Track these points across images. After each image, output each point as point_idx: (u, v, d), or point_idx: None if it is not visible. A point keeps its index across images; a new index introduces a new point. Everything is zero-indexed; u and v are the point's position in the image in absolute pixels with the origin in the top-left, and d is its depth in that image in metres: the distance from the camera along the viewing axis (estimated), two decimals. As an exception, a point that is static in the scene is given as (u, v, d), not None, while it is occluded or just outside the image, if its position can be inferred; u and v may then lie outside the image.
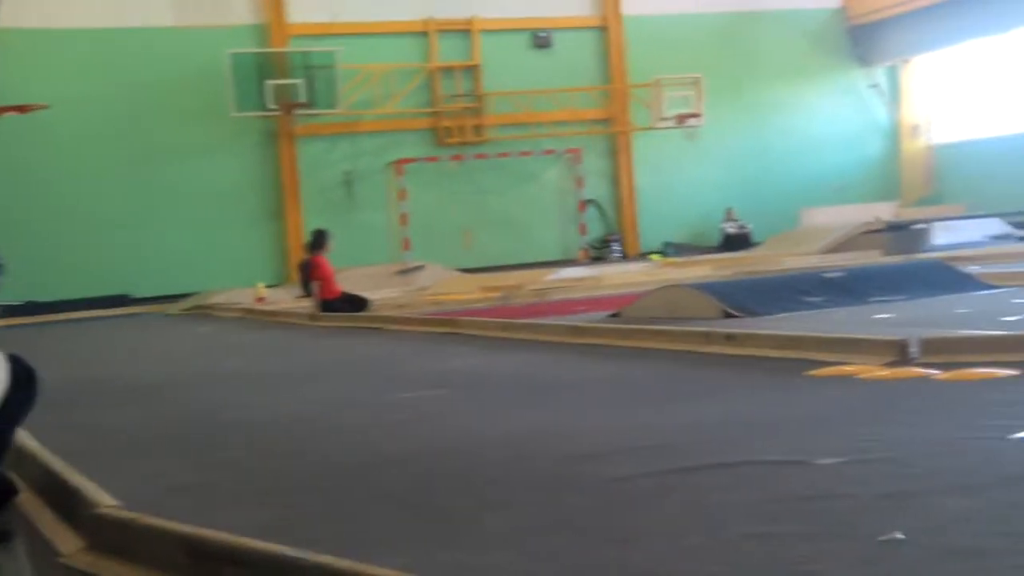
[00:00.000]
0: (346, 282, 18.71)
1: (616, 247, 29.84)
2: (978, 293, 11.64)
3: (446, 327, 12.66)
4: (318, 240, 17.97)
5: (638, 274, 20.76)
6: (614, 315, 12.09)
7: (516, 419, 6.36)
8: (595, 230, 30.14)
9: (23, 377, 4.55)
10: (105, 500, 4.36)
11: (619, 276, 20.39)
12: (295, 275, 22.52)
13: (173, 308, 23.93)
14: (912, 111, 32.21)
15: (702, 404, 6.28)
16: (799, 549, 3.34)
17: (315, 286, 17.48)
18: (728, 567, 3.27)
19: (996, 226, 23.56)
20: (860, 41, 32.25)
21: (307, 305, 18.07)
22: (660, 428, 5.58)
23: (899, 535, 3.33)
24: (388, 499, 4.58)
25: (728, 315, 10.78)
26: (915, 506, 3.66)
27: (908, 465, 4.26)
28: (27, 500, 5.04)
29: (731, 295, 11.32)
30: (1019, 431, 4.67)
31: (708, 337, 8.68)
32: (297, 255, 24.37)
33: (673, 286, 12.66)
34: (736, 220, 29.63)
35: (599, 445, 5.23)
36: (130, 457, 6.24)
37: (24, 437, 5.60)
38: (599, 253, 29.65)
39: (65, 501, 4.74)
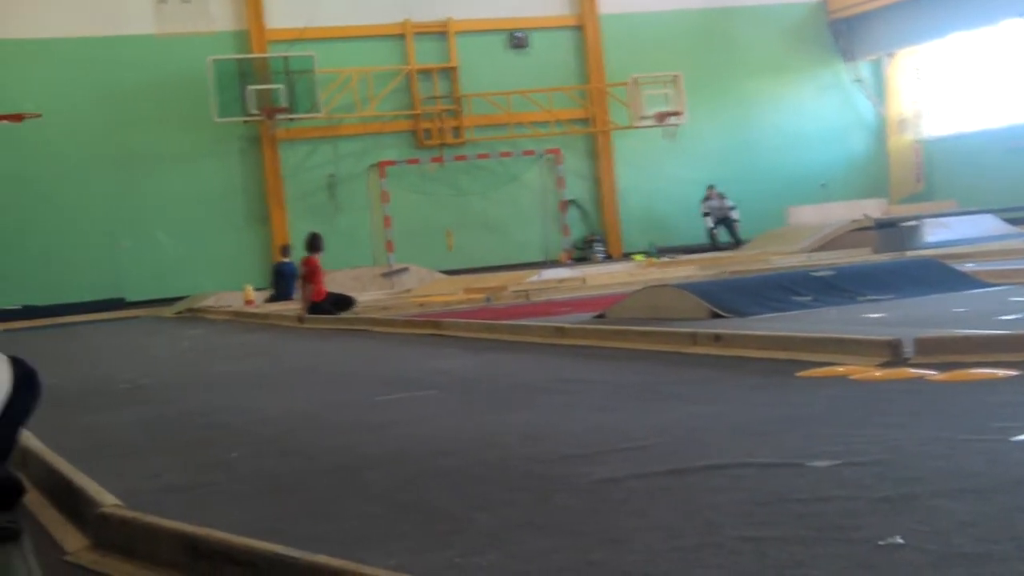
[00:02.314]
0: (331, 284, 18.70)
1: (599, 247, 29.79)
2: (973, 291, 11.53)
3: (431, 329, 12.64)
4: (314, 242, 17.94)
5: (622, 274, 20.71)
6: (599, 316, 12.04)
7: (504, 420, 6.32)
8: (577, 231, 30.12)
9: (26, 379, 4.59)
10: (108, 499, 4.42)
11: (603, 277, 20.35)
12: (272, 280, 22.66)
13: (166, 311, 24.06)
14: (898, 105, 32.13)
15: (691, 406, 6.22)
16: (793, 552, 3.28)
17: (307, 289, 17.47)
18: (721, 569, 3.23)
19: (989, 222, 23.45)
20: (843, 35, 32.22)
21: (295, 307, 18.10)
22: (649, 429, 5.53)
23: (898, 539, 3.27)
24: (379, 499, 4.58)
25: (715, 315, 10.73)
26: (914, 509, 3.60)
27: (905, 468, 4.20)
28: (33, 499, 5.12)
29: (718, 295, 11.26)
30: (1020, 433, 4.60)
31: (695, 338, 8.61)
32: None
33: (658, 286, 12.61)
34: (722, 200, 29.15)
35: (588, 446, 5.19)
36: (130, 457, 6.30)
37: (28, 437, 5.67)
38: (582, 254, 29.61)
39: (69, 500, 4.82)
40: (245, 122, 27.31)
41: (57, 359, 13.99)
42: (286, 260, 22.53)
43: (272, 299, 21.82)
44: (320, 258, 17.84)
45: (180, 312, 23.59)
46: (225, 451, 6.11)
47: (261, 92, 26.75)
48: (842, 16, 32.11)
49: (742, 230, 28.51)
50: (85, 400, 9.27)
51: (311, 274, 17.57)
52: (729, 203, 28.93)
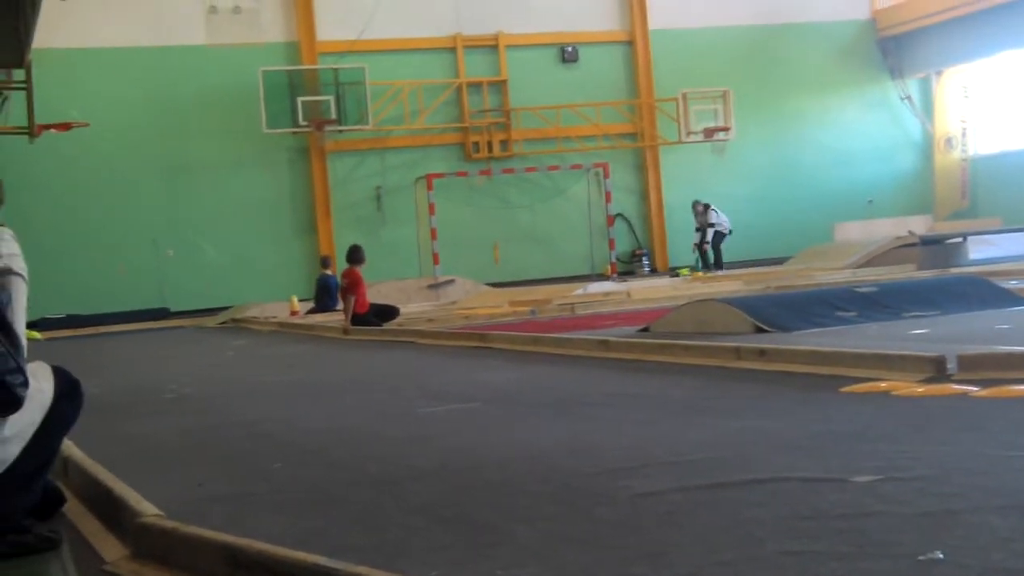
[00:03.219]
0: (377, 296, 18.78)
1: (645, 261, 29.76)
2: (1017, 308, 11.51)
3: (476, 341, 12.67)
4: (355, 255, 18.02)
5: (667, 289, 20.72)
6: (643, 330, 12.07)
7: (547, 433, 6.34)
8: (624, 244, 30.09)
9: (68, 388, 4.65)
10: (148, 509, 4.40)
11: (648, 291, 20.36)
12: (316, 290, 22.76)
13: (210, 321, 24.20)
14: (946, 123, 31.96)
15: (734, 420, 6.23)
16: (834, 568, 3.29)
17: (349, 300, 17.55)
18: (762, 585, 3.23)
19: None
20: (891, 53, 32.09)
21: (339, 319, 18.21)
22: (691, 443, 5.54)
23: (938, 555, 3.27)
24: (421, 511, 4.59)
25: (759, 330, 10.73)
26: (955, 525, 3.60)
27: (947, 484, 4.20)
28: (73, 508, 5.14)
29: (762, 310, 11.26)
30: (1062, 450, 4.59)
31: (739, 352, 8.62)
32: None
33: (703, 301, 12.61)
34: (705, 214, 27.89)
35: (630, 460, 5.20)
36: (172, 466, 6.33)
37: (70, 446, 5.68)
38: (628, 268, 29.59)
39: (109, 510, 4.80)
40: (294, 133, 27.51)
41: (100, 368, 14.07)
42: (328, 272, 22.69)
43: (313, 311, 21.95)
44: (362, 270, 17.92)
45: (224, 322, 23.72)
46: (268, 461, 6.12)
47: (310, 103, 26.94)
48: (891, 34, 31.98)
49: (787, 246, 28.22)
50: (128, 409, 9.31)
51: (353, 286, 17.64)
52: (712, 218, 27.77)
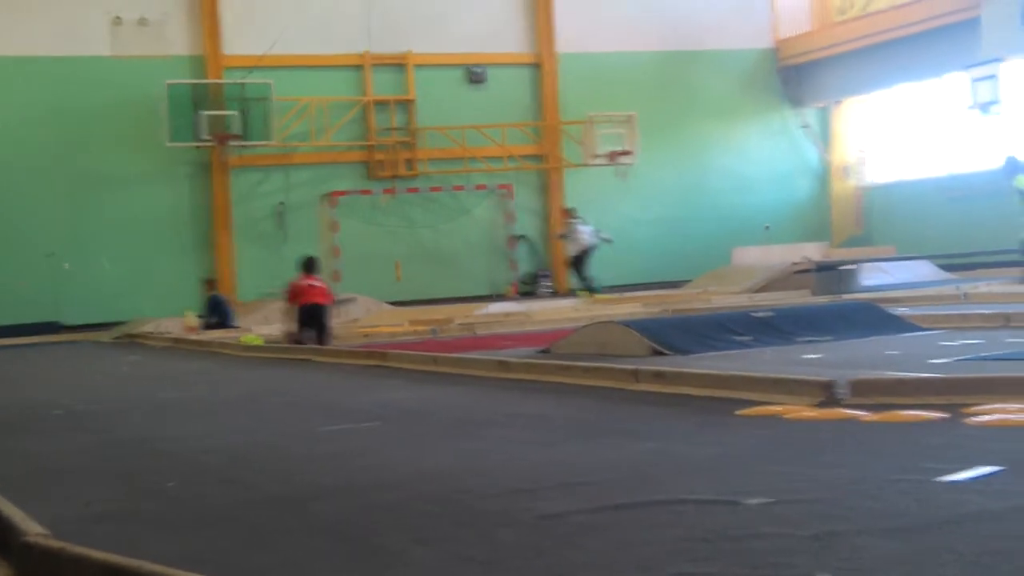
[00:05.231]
0: (276, 313, 18.63)
1: (546, 283, 29.88)
2: (907, 335, 11.78)
3: (376, 360, 12.65)
4: (317, 264, 17.94)
5: (567, 310, 20.84)
6: (543, 351, 12.13)
7: (447, 453, 6.35)
8: (525, 266, 30.20)
9: None
10: (33, 528, 4.31)
11: (548, 312, 20.46)
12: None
13: (104, 336, 23.80)
14: (842, 152, 32.60)
15: (632, 442, 6.29)
16: (728, 589, 3.35)
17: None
18: (658, 606, 3.28)
19: (925, 268, 23.90)
20: (791, 82, 32.65)
21: (234, 335, 18.11)
22: (590, 465, 5.59)
23: (827, 576, 3.35)
24: (319, 531, 4.57)
25: (657, 353, 10.85)
26: (844, 547, 3.68)
27: (837, 506, 4.29)
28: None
29: (660, 333, 11.38)
30: (948, 474, 4.72)
31: (638, 375, 8.71)
32: (222, 288, 24.50)
33: (603, 323, 12.70)
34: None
35: (530, 481, 5.23)
36: (60, 484, 6.19)
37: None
38: (529, 288, 29.68)
39: (-7, 528, 4.66)
40: (197, 147, 27.18)
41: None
42: (216, 293, 22.74)
43: (211, 327, 21.75)
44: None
45: (118, 337, 23.36)
46: (162, 480, 6.03)
47: (214, 118, 26.63)
48: (791, 64, 32.56)
49: (686, 270, 28.36)
50: (16, 425, 9.10)
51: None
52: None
